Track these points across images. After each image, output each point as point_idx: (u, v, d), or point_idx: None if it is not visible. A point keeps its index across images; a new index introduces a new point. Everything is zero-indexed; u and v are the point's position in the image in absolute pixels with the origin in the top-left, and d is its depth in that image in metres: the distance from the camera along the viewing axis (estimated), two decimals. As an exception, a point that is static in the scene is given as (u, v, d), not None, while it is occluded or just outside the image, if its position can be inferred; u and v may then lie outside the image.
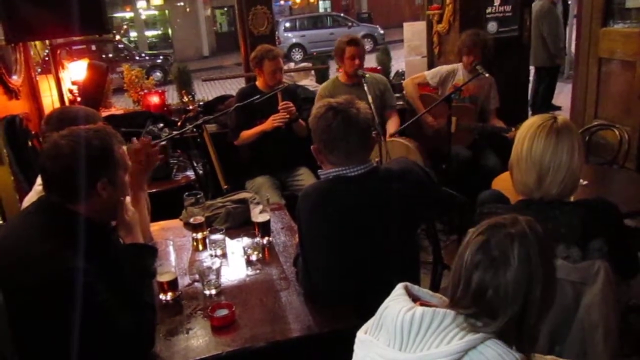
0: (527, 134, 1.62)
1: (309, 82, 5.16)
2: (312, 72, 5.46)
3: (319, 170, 1.86)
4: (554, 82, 6.48)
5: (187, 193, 2.50)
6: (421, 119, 3.81)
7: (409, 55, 4.98)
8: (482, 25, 4.41)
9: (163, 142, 3.32)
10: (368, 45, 18.30)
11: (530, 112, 5.59)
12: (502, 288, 1.08)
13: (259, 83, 3.55)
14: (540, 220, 1.18)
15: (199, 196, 2.47)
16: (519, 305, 1.07)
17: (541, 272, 1.09)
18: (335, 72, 4.13)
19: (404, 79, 5.03)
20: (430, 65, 4.78)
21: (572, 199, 1.65)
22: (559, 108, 6.65)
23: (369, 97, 3.25)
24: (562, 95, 6.84)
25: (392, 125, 3.78)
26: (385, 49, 5.75)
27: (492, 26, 4.51)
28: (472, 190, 2.03)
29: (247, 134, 3.49)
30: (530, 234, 1.10)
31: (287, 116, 3.38)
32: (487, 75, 3.61)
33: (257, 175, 3.53)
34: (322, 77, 5.38)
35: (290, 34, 19.14)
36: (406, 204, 1.79)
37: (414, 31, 4.95)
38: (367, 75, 3.51)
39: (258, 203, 2.45)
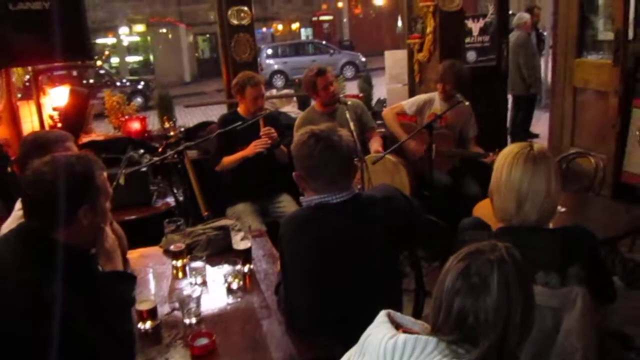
0: (505, 161, 1.66)
1: (290, 108, 5.21)
2: (294, 98, 5.52)
3: (301, 198, 1.87)
4: (531, 110, 6.62)
5: (167, 220, 2.48)
6: (403, 146, 3.87)
7: (390, 83, 5.07)
8: (461, 54, 4.52)
9: (143, 169, 3.32)
10: (350, 72, 18.60)
11: (509, 139, 5.69)
12: (482, 314, 1.09)
13: (240, 109, 3.57)
14: (520, 246, 1.20)
15: (179, 223, 2.45)
16: (499, 331, 1.08)
17: (521, 298, 1.11)
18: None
19: (385, 106, 5.12)
20: (412, 93, 4.86)
21: (550, 225, 1.69)
22: (536, 135, 6.79)
23: (351, 124, 3.29)
24: (540, 123, 6.99)
25: (375, 142, 3.83)
26: (367, 77, 5.84)
27: (471, 55, 4.63)
28: (453, 217, 2.05)
29: (228, 159, 3.50)
30: (509, 260, 1.12)
31: (269, 142, 3.41)
32: (466, 103, 3.69)
33: (238, 202, 3.52)
34: (304, 103, 5.43)
35: (272, 61, 19.35)
36: (389, 231, 1.80)
37: (395, 59, 5.06)
38: (349, 103, 3.56)
39: (239, 230, 2.44)
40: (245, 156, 3.45)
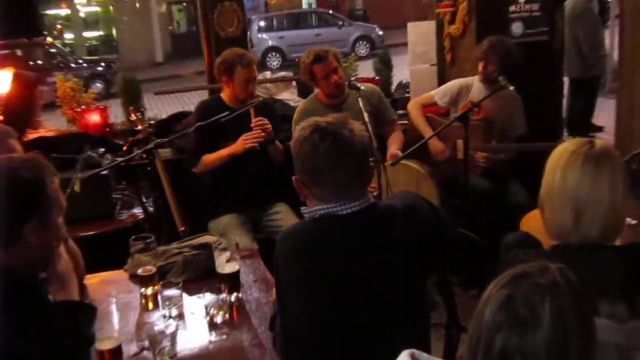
0: (559, 162, 1.66)
1: (289, 95, 5.24)
2: (293, 83, 5.55)
3: (302, 208, 1.88)
4: (593, 97, 6.60)
5: (134, 236, 2.50)
6: (425, 146, 3.90)
7: (414, 63, 5.09)
8: (504, 26, 4.52)
9: (104, 172, 3.35)
10: (363, 49, 18.71)
11: (565, 134, 5.69)
12: (531, 353, 1.09)
13: (225, 95, 3.61)
14: (578, 268, 1.21)
15: (149, 240, 2.47)
16: (552, 376, 1.09)
17: (578, 333, 1.11)
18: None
19: (408, 93, 5.13)
20: (441, 76, 4.88)
21: (617, 242, 1.69)
22: (600, 129, 6.77)
23: (365, 115, 3.31)
24: (604, 113, 6.96)
25: (395, 141, 3.88)
26: (385, 55, 5.85)
27: (516, 27, 4.62)
28: (494, 232, 2.06)
29: (210, 158, 3.51)
30: (564, 286, 1.12)
31: (262, 135, 3.43)
32: (510, 88, 3.70)
33: (223, 214, 3.54)
34: (305, 89, 5.45)
35: (265, 35, 19.49)
36: (413, 250, 1.81)
37: (420, 33, 5.08)
38: (362, 88, 3.58)
39: (224, 249, 2.45)
40: (232, 154, 3.47)
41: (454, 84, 4.14)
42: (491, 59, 3.91)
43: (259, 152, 3.46)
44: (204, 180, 3.62)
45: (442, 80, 4.74)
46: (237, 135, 3.46)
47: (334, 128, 1.81)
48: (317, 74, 3.67)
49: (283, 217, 3.55)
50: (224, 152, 3.49)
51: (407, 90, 5.20)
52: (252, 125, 3.44)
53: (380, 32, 19.59)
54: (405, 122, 4.34)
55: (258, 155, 3.49)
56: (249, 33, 17.21)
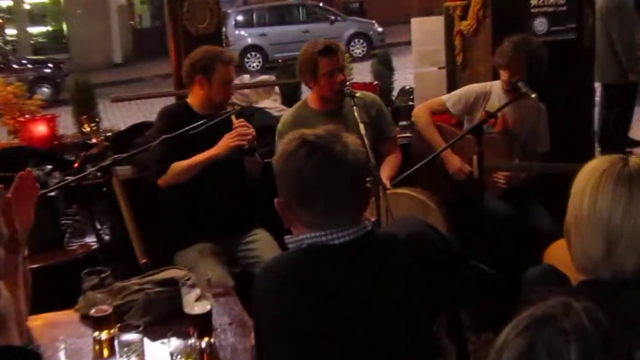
0: (587, 183, 1.66)
1: (271, 103, 5.27)
2: (277, 89, 5.58)
3: (286, 237, 1.89)
4: (630, 107, 6.61)
5: (86, 270, 2.49)
6: (441, 161, 3.92)
7: (419, 65, 5.14)
8: (525, 22, 4.56)
9: (51, 193, 3.34)
10: (359, 48, 18.86)
11: (597, 150, 5.71)
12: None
13: (194, 101, 3.65)
14: (610, 308, 1.20)
15: (104, 275, 2.46)
16: None
17: (610, 386, 1.11)
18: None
19: (412, 100, 5.16)
20: (451, 80, 4.92)
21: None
22: (639, 144, 6.82)
23: (361, 126, 3.35)
24: (643, 125, 7.02)
25: (389, 166, 3.90)
26: (385, 55, 5.90)
27: (540, 24, 4.66)
28: (514, 265, 2.07)
29: (182, 165, 3.49)
30: (592, 330, 1.12)
31: (250, 132, 3.49)
32: (532, 95, 3.73)
33: (192, 243, 3.54)
34: (291, 96, 5.48)
35: (244, 32, 19.63)
36: (418, 287, 1.82)
37: (426, 31, 5.13)
38: (357, 95, 3.62)
39: (193, 285, 2.45)
40: (211, 158, 3.48)
41: (470, 89, 4.16)
42: (518, 66, 3.85)
43: (233, 168, 3.50)
44: (170, 202, 3.61)
45: (452, 86, 4.77)
46: (207, 145, 3.49)
47: (325, 142, 1.82)
48: (322, 67, 3.67)
49: (262, 246, 3.56)
50: (201, 156, 3.48)
51: (411, 97, 5.24)
52: (235, 126, 3.48)
53: (380, 29, 19.77)
54: (408, 134, 4.37)
55: (233, 173, 3.52)
56: (224, 29, 17.36)
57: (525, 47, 3.88)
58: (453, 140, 3.69)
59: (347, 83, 3.75)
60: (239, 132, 3.45)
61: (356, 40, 19.31)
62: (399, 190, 3.68)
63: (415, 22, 5.21)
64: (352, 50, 17.96)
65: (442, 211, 3.72)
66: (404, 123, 4.55)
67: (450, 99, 4.14)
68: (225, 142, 3.45)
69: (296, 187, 1.82)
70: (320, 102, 3.82)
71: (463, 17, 4.79)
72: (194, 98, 3.65)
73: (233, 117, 3.49)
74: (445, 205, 3.78)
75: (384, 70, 5.66)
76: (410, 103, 5.14)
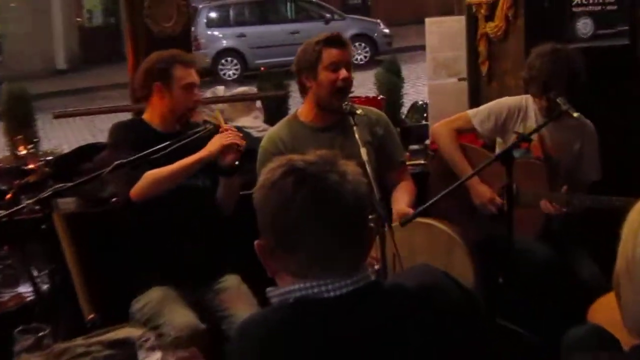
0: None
1: (251, 121, 5.29)
2: (258, 103, 5.60)
3: (268, 289, 1.88)
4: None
5: (20, 328, 2.48)
6: (465, 191, 3.96)
7: (435, 76, 5.18)
8: (565, 24, 4.60)
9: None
10: (361, 54, 18.99)
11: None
12: None
13: (152, 116, 3.74)
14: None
15: (42, 334, 2.45)
16: None
17: None
18: (299, 104, 4.25)
19: (426, 119, 5.19)
20: (474, 94, 4.98)
21: None
22: None
23: (363, 152, 3.37)
24: None
25: (404, 194, 3.93)
26: (393, 63, 5.92)
27: (584, 26, 4.68)
28: (553, 325, 2.07)
29: (161, 173, 3.54)
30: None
31: (241, 136, 3.62)
32: (574, 115, 3.75)
33: (151, 286, 3.57)
34: (275, 112, 5.51)
35: (218, 33, 19.71)
36: (431, 351, 1.82)
37: (443, 33, 5.17)
38: (358, 112, 3.64)
39: (153, 348, 2.44)
40: (200, 161, 3.55)
41: (501, 104, 4.19)
42: (557, 82, 3.87)
43: (202, 197, 3.62)
44: (124, 240, 3.64)
45: (475, 102, 4.81)
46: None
47: (317, 170, 1.82)
48: (325, 58, 3.75)
49: (233, 297, 3.60)
50: (186, 161, 3.55)
51: (425, 115, 5.26)
52: (222, 130, 3.59)
53: (386, 30, 19.90)
54: (421, 161, 4.38)
55: (201, 202, 3.61)
56: (193, 29, 17.28)
57: (563, 62, 3.91)
58: (481, 166, 3.67)
59: (348, 91, 3.79)
60: (234, 132, 3.58)
61: (357, 44, 19.27)
62: (425, 221, 3.71)
63: (430, 22, 5.23)
64: (353, 56, 18.05)
65: (469, 248, 3.71)
66: (415, 147, 4.57)
67: (478, 116, 4.17)
68: (218, 140, 3.54)
69: (281, 225, 1.81)
70: (314, 113, 3.87)
71: (489, 17, 4.84)
72: (153, 112, 3.72)
73: (221, 120, 3.63)
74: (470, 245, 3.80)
75: (392, 82, 5.69)
76: (424, 122, 5.17)
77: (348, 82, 3.77)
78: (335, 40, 3.77)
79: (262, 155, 3.80)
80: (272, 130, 4.03)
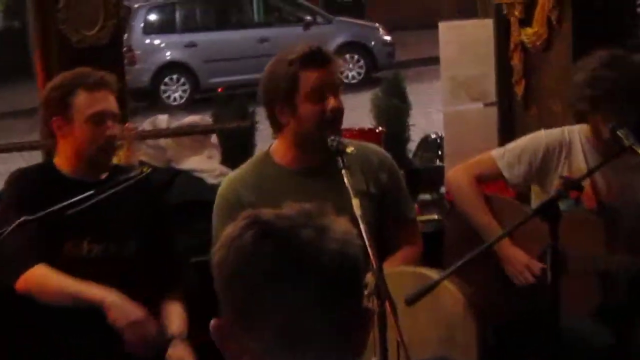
0: None
1: (203, 163, 5.30)
2: (214, 138, 5.60)
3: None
4: None
5: None
6: (494, 256, 3.96)
7: (453, 100, 5.19)
8: (624, 29, 4.64)
9: None
10: (353, 69, 19.12)
11: None
12: None
13: (61, 160, 3.76)
14: None
15: None
16: None
17: None
18: (268, 138, 4.23)
19: (440, 159, 5.18)
20: (508, 125, 4.99)
21: None
22: None
23: (355, 204, 3.34)
24: None
25: (402, 261, 3.89)
26: (396, 82, 5.96)
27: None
28: None
29: (50, 283, 3.56)
30: None
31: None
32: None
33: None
34: (237, 149, 5.51)
35: (159, 41, 19.80)
36: None
37: (463, 43, 5.20)
38: (348, 150, 3.60)
39: None
40: (93, 301, 3.52)
41: (536, 140, 4.19)
42: (612, 105, 3.89)
43: (126, 276, 3.62)
44: (16, 329, 3.65)
45: (508, 134, 4.80)
46: (93, 232, 3.59)
47: (287, 224, 1.80)
48: (305, 85, 3.67)
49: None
50: (80, 291, 3.54)
51: (440, 153, 5.26)
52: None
53: (387, 37, 20.05)
54: (435, 217, 4.37)
55: (124, 281, 3.61)
56: (126, 36, 17.16)
57: (622, 72, 3.93)
58: (515, 225, 3.67)
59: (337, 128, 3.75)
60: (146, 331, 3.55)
61: (348, 56, 19.32)
62: (420, 271, 3.71)
63: (445, 28, 5.28)
64: (342, 72, 18.11)
65: (477, 318, 3.66)
66: (427, 197, 4.55)
67: (506, 157, 4.17)
68: (125, 323, 3.50)
69: (238, 292, 1.80)
70: (293, 153, 3.82)
71: (526, 21, 4.88)
72: (61, 155, 3.74)
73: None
74: (497, 324, 3.78)
75: (394, 107, 5.71)
76: (438, 163, 5.16)
77: (338, 113, 3.72)
78: (315, 57, 3.70)
79: (220, 209, 3.77)
80: (235, 173, 4.00)
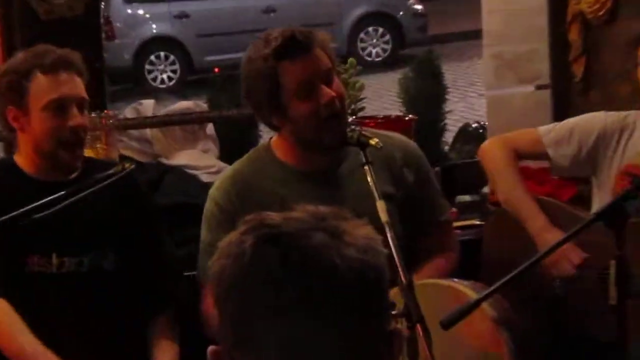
0: None
1: (198, 157, 5.33)
2: (211, 128, 5.61)
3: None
4: None
5: None
6: (539, 265, 3.92)
7: (498, 82, 5.21)
8: None
9: None
10: (377, 45, 19.09)
11: None
12: None
13: (23, 158, 3.76)
14: None
15: None
16: None
17: None
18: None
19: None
20: (564, 109, 5.00)
21: None
22: None
23: (379, 207, 3.35)
24: None
25: (435, 271, 3.91)
26: (429, 61, 5.99)
27: None
28: None
29: (10, 339, 3.56)
30: None
31: None
32: None
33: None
34: (238, 141, 5.52)
35: (142, 11, 19.93)
36: None
37: (511, 13, 5.20)
38: (372, 142, 3.57)
39: None
40: None
41: (592, 120, 4.22)
42: None
43: (106, 291, 3.65)
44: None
45: (566, 116, 4.81)
46: (64, 243, 3.59)
47: (296, 226, 1.80)
48: (288, 81, 3.66)
49: None
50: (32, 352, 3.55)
51: (475, 144, 5.26)
52: None
53: (418, 6, 20.02)
54: (476, 222, 4.38)
55: (103, 297, 3.66)
56: (104, 6, 16.82)
57: None
58: (570, 233, 3.65)
59: (352, 119, 3.73)
60: None
61: (370, 29, 19.43)
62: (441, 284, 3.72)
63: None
64: (364, 49, 18.11)
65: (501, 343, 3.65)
66: (465, 199, 4.56)
67: (553, 133, 4.21)
68: None
69: (236, 309, 1.80)
70: (299, 153, 3.83)
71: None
72: (21, 151, 3.75)
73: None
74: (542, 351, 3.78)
75: (428, 91, 5.70)
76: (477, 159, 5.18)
77: (336, 103, 3.68)
78: (292, 46, 3.68)
79: (211, 215, 3.77)
80: (229, 172, 4.01)
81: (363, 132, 3.62)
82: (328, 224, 1.80)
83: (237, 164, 4.01)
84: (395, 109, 5.70)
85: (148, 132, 5.37)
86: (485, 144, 4.38)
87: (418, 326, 3.18)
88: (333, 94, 3.67)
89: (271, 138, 3.99)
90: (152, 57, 18.93)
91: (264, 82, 3.68)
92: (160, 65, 18.92)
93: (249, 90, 3.78)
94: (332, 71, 3.77)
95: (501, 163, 4.18)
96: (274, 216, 1.83)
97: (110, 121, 4.44)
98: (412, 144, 4.13)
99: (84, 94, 3.65)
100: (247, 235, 1.78)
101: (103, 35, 4.61)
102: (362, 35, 19.14)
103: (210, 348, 1.83)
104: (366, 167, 3.47)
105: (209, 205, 3.83)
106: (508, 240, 4.07)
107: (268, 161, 3.90)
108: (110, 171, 3.52)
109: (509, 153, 4.18)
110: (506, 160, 4.17)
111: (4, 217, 3.27)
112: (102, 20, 4.67)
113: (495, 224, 4.27)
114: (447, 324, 3.35)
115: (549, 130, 4.21)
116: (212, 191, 3.89)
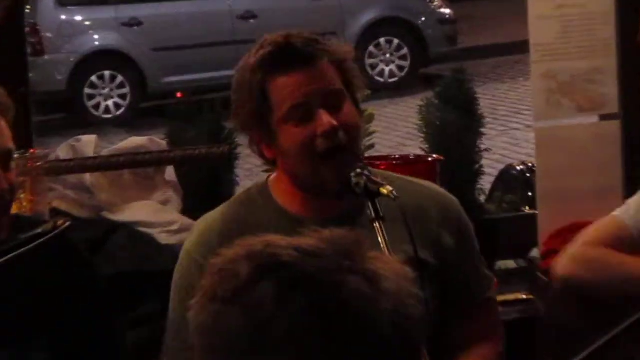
0: None
1: (154, 212, 5.33)
2: (170, 172, 5.65)
3: None
4: None
5: None
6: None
7: (550, 110, 5.22)
8: None
9: None
10: (391, 61, 19.13)
11: None
12: None
13: None
14: None
15: None
16: None
17: None
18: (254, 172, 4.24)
19: (530, 203, 5.23)
20: (634, 148, 5.00)
21: None
22: None
23: (408, 281, 3.35)
24: None
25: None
26: (459, 82, 6.03)
27: None
28: None
29: None
30: None
31: None
32: None
33: None
34: (207, 190, 5.57)
35: (81, 18, 20.05)
36: None
37: (567, 20, 5.23)
38: (384, 192, 3.59)
39: None
40: None
41: None
42: None
43: None
44: None
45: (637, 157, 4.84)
46: None
47: (321, 265, 1.83)
48: (280, 101, 3.70)
49: None
50: None
51: (528, 194, 5.30)
52: None
53: (446, 11, 20.08)
54: (522, 296, 4.42)
55: None
56: (29, 10, 16.92)
57: None
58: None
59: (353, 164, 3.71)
60: None
61: (383, 40, 19.51)
62: None
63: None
64: (374, 66, 18.25)
65: None
66: (509, 265, 4.59)
67: (632, 210, 4.25)
68: None
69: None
70: (300, 197, 3.88)
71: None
72: None
73: None
74: None
75: (457, 121, 5.75)
76: (528, 211, 5.19)
77: (344, 135, 3.70)
78: (287, 55, 3.71)
79: (186, 277, 3.79)
80: (212, 219, 4.02)
81: (372, 177, 3.63)
82: (359, 263, 1.82)
83: (223, 207, 4.03)
84: (414, 145, 5.73)
85: (88, 177, 5.41)
86: (559, 267, 4.38)
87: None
88: (334, 123, 3.65)
89: (269, 175, 4.00)
90: (94, 78, 18.97)
91: (250, 99, 3.71)
92: (104, 88, 18.96)
93: (237, 108, 3.80)
94: (341, 94, 3.74)
95: (594, 265, 4.24)
96: (283, 245, 1.83)
97: (39, 164, 4.45)
98: (450, 197, 4.15)
99: (9, 143, 3.56)
100: (254, 275, 1.77)
101: (29, 49, 4.63)
102: (371, 48, 19.24)
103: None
104: (375, 224, 3.49)
105: (184, 265, 3.85)
106: (579, 324, 4.09)
107: (262, 205, 3.92)
108: (38, 231, 3.45)
109: (592, 249, 4.26)
110: (596, 256, 4.26)
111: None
112: (27, 30, 4.66)
113: (561, 303, 4.28)
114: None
115: (627, 210, 4.26)
116: (187, 246, 3.90)
